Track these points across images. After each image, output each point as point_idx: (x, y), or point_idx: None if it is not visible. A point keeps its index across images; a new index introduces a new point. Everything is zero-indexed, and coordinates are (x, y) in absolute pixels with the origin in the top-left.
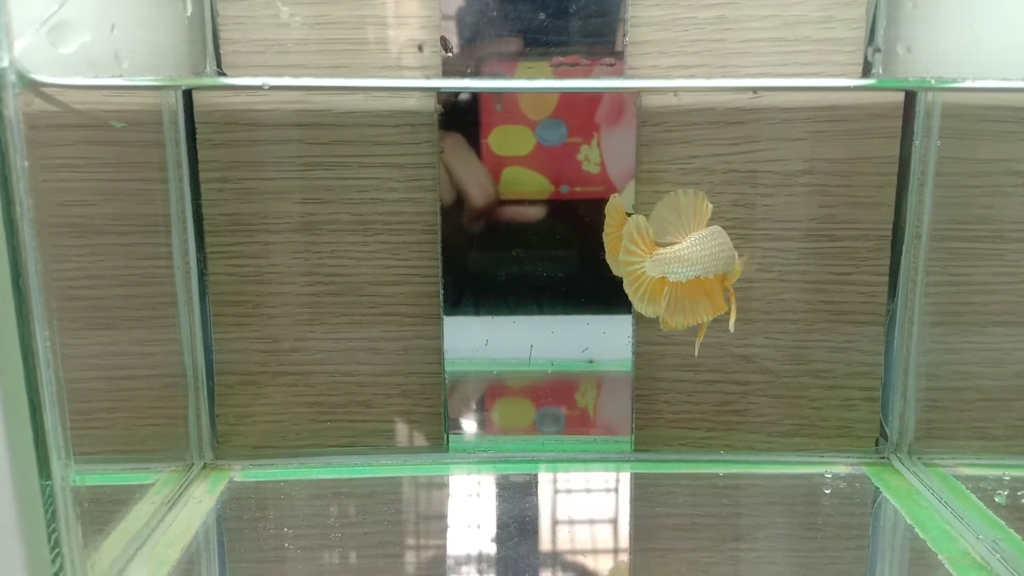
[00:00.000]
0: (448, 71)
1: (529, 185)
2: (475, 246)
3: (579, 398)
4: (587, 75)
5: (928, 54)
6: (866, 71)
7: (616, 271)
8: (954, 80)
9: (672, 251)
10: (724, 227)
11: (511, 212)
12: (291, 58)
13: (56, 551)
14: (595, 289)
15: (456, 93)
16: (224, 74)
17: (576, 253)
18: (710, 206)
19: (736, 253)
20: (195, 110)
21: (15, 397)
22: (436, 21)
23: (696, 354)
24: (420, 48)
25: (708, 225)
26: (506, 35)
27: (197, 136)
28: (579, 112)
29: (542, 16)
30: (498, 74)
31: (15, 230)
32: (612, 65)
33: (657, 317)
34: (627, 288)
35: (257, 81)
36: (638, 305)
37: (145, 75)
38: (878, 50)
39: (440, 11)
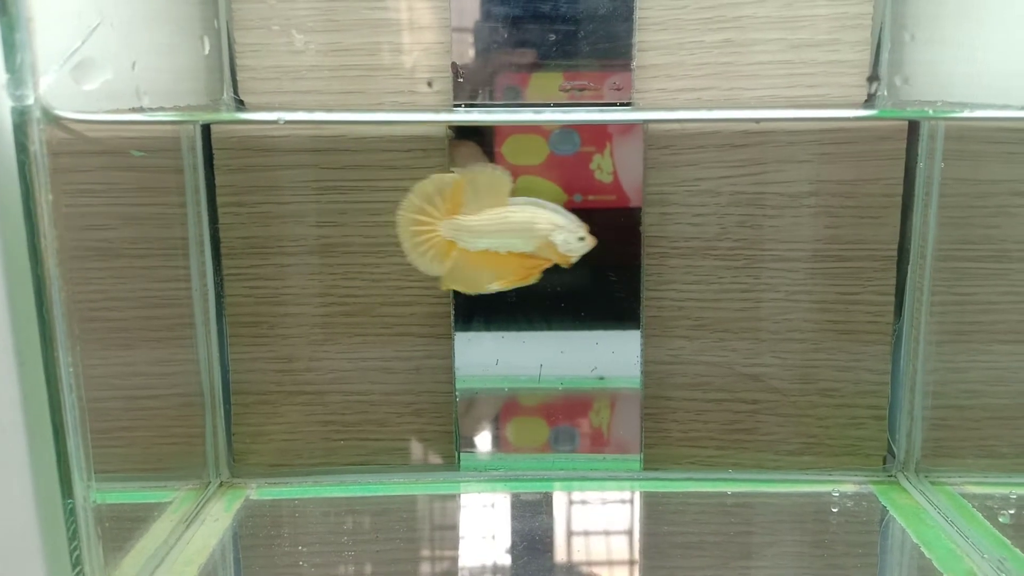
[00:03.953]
0: (459, 95)
1: (543, 194)
2: None
3: (588, 417)
4: (595, 99)
5: (932, 77)
6: (869, 97)
7: (403, 230)
8: (953, 110)
9: (467, 220)
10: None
11: None
12: (306, 84)
13: (78, 569)
14: (604, 306)
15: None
16: (241, 100)
17: (588, 264)
18: (511, 183)
19: (559, 230)
20: (212, 137)
21: (39, 420)
22: (447, 47)
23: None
24: (430, 84)
25: (511, 201)
26: (516, 59)
27: (214, 162)
28: None
29: (551, 39)
30: (508, 97)
31: (40, 260)
32: (620, 89)
33: (437, 277)
34: (410, 242)
35: (272, 116)
36: (418, 261)
37: (164, 102)
38: (878, 79)
39: (451, 37)
